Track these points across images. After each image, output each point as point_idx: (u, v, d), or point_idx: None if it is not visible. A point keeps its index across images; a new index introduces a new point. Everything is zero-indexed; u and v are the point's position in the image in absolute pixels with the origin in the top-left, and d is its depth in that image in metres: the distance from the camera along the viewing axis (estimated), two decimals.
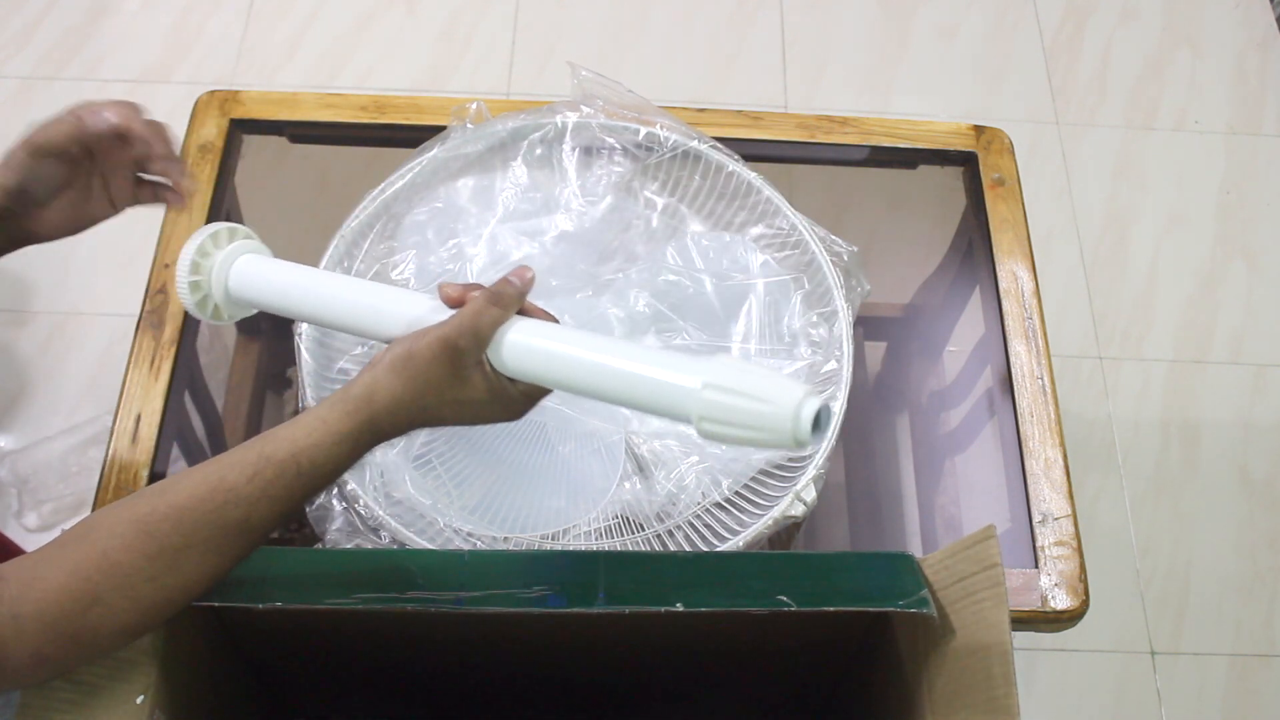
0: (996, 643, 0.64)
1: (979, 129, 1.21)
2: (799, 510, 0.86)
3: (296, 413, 0.89)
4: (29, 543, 1.26)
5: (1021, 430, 1.03)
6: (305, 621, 0.73)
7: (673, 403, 0.61)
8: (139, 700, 0.63)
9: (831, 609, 0.66)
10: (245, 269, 0.77)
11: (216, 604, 0.65)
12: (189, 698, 0.70)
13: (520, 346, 0.65)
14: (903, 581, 0.68)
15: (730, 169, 1.01)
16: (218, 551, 0.61)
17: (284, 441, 0.63)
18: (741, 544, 0.85)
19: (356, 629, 0.76)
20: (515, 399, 0.67)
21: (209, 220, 1.08)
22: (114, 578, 0.58)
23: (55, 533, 1.36)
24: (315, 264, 0.94)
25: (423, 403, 0.64)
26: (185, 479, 0.62)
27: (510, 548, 0.86)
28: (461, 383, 0.65)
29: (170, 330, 1.02)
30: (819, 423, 0.59)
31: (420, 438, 0.90)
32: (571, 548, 0.88)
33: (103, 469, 0.97)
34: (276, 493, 0.62)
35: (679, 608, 0.65)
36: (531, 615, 0.65)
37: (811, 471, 0.87)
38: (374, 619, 0.71)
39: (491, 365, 0.66)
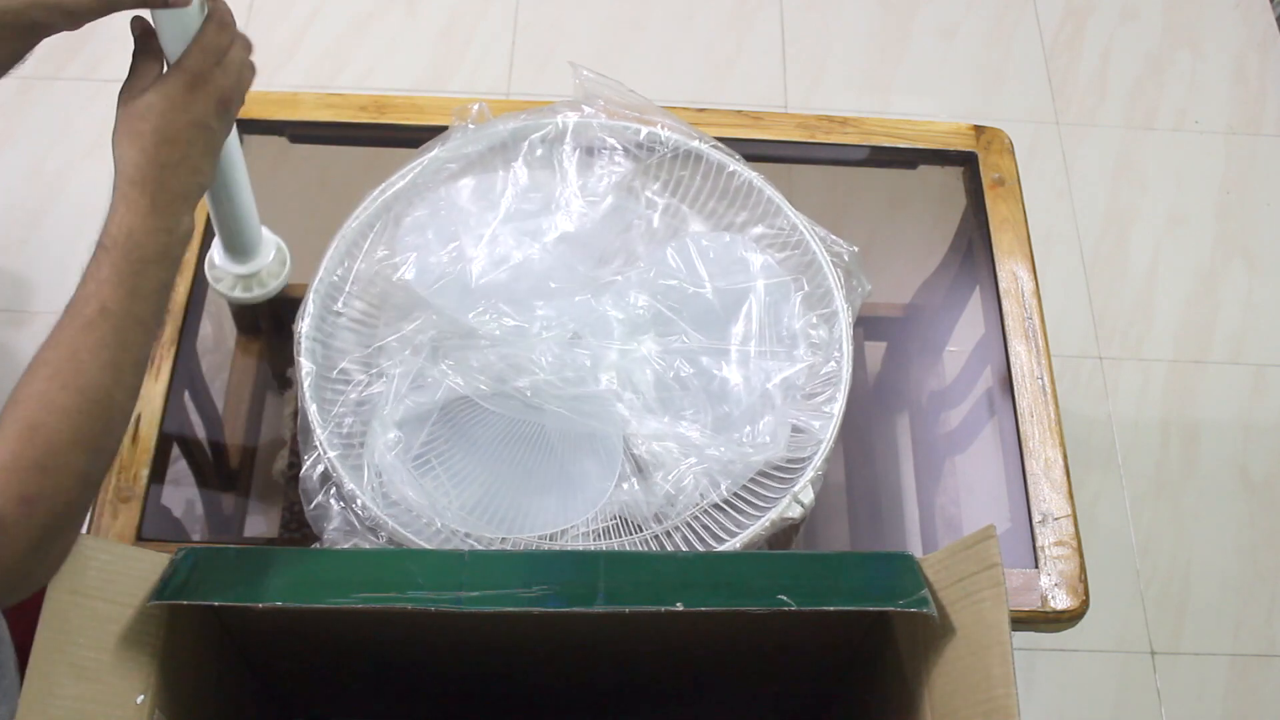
0: (996, 643, 0.64)
1: (979, 129, 1.21)
2: (796, 512, 0.86)
3: (296, 413, 0.89)
4: None
5: (1021, 430, 1.03)
6: (306, 621, 0.73)
7: None
8: (139, 700, 0.64)
9: (831, 609, 0.66)
10: None
11: (216, 603, 0.65)
12: (189, 697, 0.70)
13: None
14: (903, 581, 0.68)
15: (731, 169, 1.01)
16: (99, 346, 0.66)
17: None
18: (739, 545, 0.85)
19: (357, 629, 0.76)
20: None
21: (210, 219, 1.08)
22: (36, 403, 0.64)
23: None
24: (316, 266, 0.94)
25: (147, 102, 0.72)
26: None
27: (509, 548, 0.86)
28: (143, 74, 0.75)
29: (170, 330, 1.02)
30: None
31: (420, 436, 0.90)
32: (571, 548, 0.88)
33: None
34: (105, 274, 0.68)
35: (679, 607, 0.65)
36: (531, 615, 0.65)
37: (809, 474, 0.87)
38: (374, 619, 0.71)
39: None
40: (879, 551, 0.71)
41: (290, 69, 1.91)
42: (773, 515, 0.85)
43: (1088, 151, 1.94)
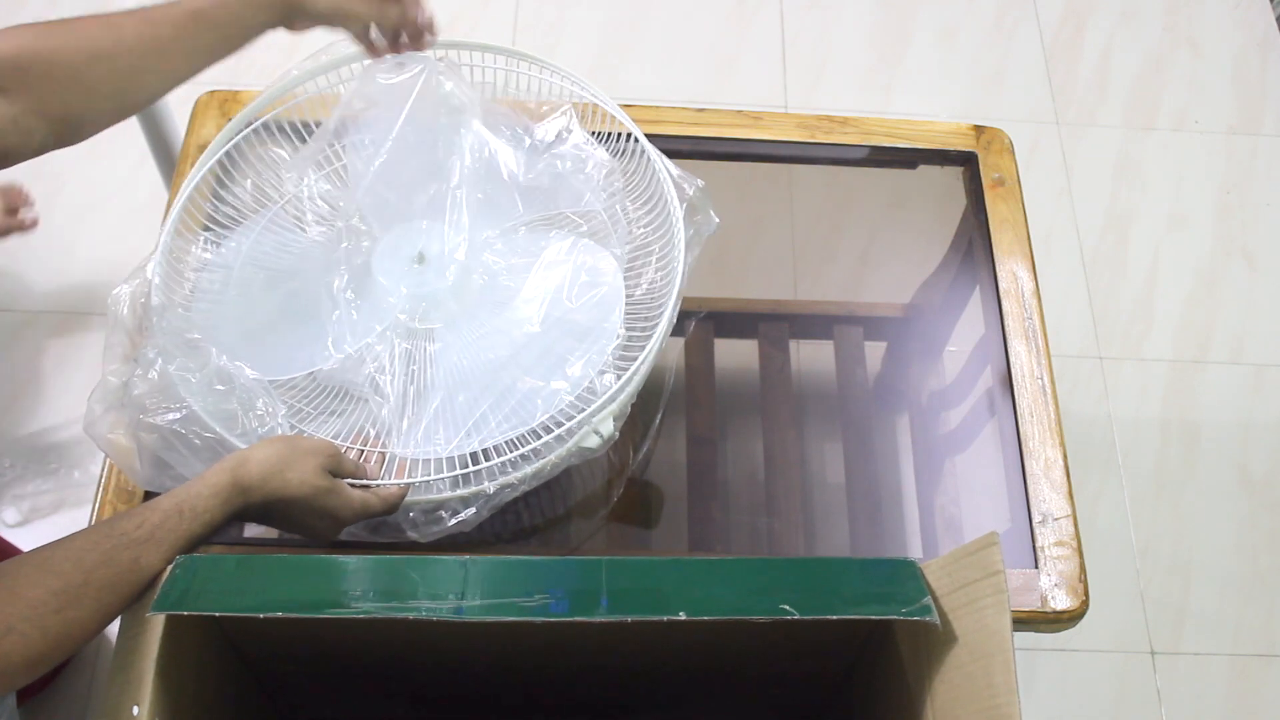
0: (999, 650, 0.64)
1: (979, 129, 1.21)
2: (594, 442, 0.86)
3: None
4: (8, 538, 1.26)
5: (1021, 430, 1.03)
6: (307, 628, 0.73)
7: None
8: (134, 711, 0.63)
9: (834, 617, 0.66)
10: None
11: (218, 614, 0.65)
12: (189, 703, 0.70)
13: None
14: (905, 589, 0.68)
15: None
16: (112, 589, 0.69)
17: (170, 494, 0.74)
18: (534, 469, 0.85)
19: (358, 636, 0.76)
20: (335, 511, 0.80)
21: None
22: (24, 609, 0.65)
23: (35, 528, 1.35)
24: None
25: (285, 473, 0.77)
26: (85, 530, 0.71)
27: (510, 557, 0.86)
28: (317, 473, 0.79)
29: None
30: None
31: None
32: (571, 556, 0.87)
33: (102, 469, 0.97)
34: (162, 536, 0.71)
35: (681, 616, 0.65)
36: (533, 624, 0.65)
37: (613, 408, 0.87)
38: (376, 626, 0.71)
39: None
40: (881, 558, 0.71)
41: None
42: (571, 445, 0.85)
43: (1088, 151, 1.94)
